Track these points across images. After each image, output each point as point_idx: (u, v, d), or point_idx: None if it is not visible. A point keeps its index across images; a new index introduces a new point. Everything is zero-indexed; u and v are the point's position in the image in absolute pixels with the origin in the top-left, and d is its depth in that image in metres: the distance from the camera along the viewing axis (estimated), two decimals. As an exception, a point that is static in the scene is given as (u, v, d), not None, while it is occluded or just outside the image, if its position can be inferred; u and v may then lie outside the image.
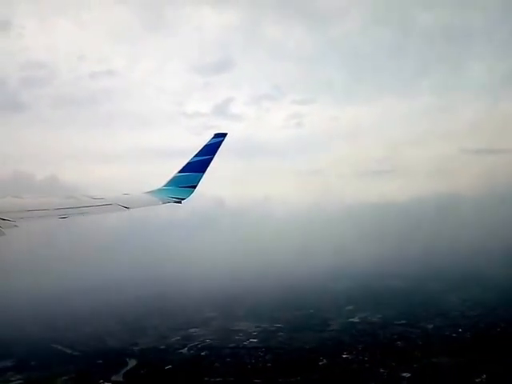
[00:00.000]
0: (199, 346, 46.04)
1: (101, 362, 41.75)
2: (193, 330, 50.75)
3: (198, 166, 10.04)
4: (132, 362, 42.01)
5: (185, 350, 45.11)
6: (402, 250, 71.74)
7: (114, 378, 38.81)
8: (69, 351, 44.80)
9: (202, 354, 44.00)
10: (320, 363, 39.20)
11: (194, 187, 10.00)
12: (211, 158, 10.08)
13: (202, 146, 10.18)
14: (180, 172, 10.09)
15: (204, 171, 10.05)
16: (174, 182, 9.98)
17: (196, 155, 10.14)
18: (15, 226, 7.21)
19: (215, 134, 10.19)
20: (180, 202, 9.68)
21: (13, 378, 38.68)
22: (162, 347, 46.08)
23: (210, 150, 10.08)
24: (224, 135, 10.19)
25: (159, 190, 9.89)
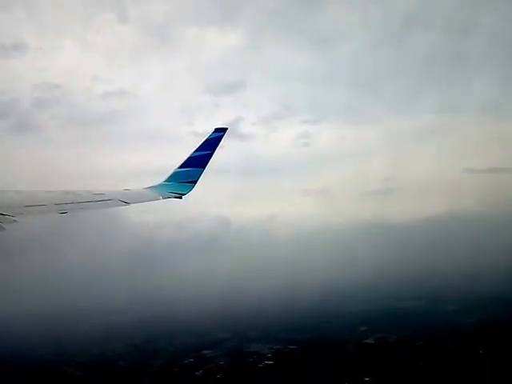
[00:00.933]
0: (214, 368, 44.98)
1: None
2: (205, 351, 49.68)
3: (199, 161, 10.00)
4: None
5: (200, 373, 44.15)
6: (412, 270, 70.22)
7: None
8: (82, 374, 44.30)
9: (218, 376, 42.98)
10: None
11: (195, 182, 9.95)
12: (212, 153, 10.05)
13: (202, 141, 10.17)
14: (180, 167, 10.06)
15: (204, 166, 10.01)
16: (175, 178, 9.95)
17: (196, 150, 10.11)
18: (14, 221, 7.17)
19: (215, 129, 10.18)
20: (180, 198, 9.62)
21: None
22: (176, 370, 45.27)
23: (211, 145, 10.06)
24: (224, 130, 10.17)
25: (159, 186, 9.85)
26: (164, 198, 9.63)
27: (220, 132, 10.12)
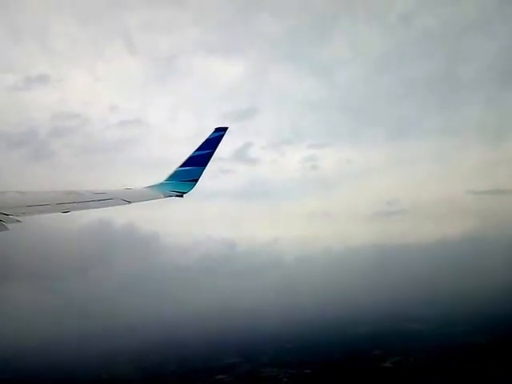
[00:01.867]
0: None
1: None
2: (219, 376, 48.72)
3: (200, 160, 10.08)
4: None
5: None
6: (417, 293, 69.72)
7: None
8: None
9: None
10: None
11: (196, 181, 10.02)
12: (212, 152, 10.13)
13: (202, 141, 10.25)
14: (181, 166, 10.14)
15: (205, 165, 10.09)
16: (176, 177, 10.02)
17: (197, 149, 10.19)
18: (18, 221, 7.24)
19: (216, 129, 10.26)
20: (182, 196, 9.69)
21: None
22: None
23: (211, 144, 10.13)
24: (225, 129, 10.25)
25: (161, 185, 9.93)
26: (165, 196, 9.71)
27: (220, 131, 10.20)
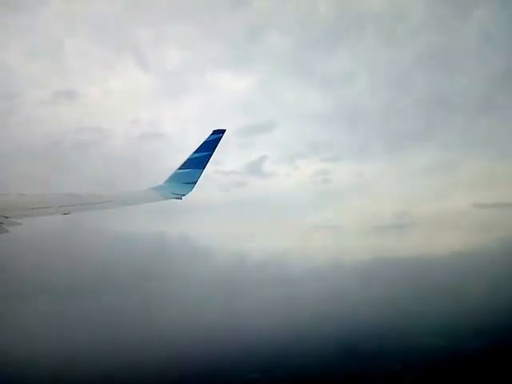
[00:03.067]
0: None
1: None
2: None
3: (198, 162, 10.21)
4: None
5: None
6: (428, 306, 68.82)
7: None
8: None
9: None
10: None
11: (194, 183, 10.14)
12: (210, 155, 10.26)
13: (200, 143, 10.38)
14: (180, 169, 10.26)
15: (203, 167, 10.21)
16: (174, 179, 10.14)
17: (195, 152, 10.32)
18: (19, 223, 7.33)
19: (214, 131, 10.40)
20: (180, 198, 9.80)
21: None
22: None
23: (209, 146, 10.26)
24: (223, 131, 10.38)
25: (159, 187, 10.04)
26: (164, 198, 9.83)
27: (218, 134, 10.33)
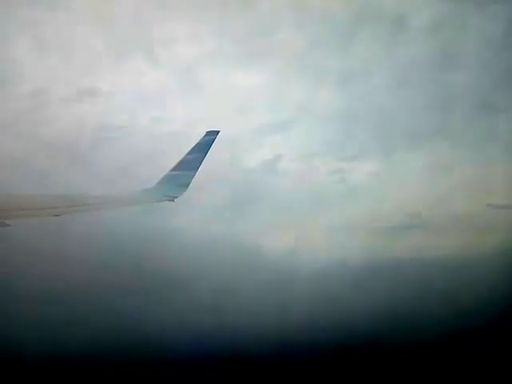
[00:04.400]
0: None
1: None
2: None
3: (191, 164, 10.11)
4: None
5: None
6: (444, 308, 67.69)
7: None
8: None
9: None
10: None
11: (187, 185, 10.04)
12: (203, 156, 10.16)
13: (193, 145, 10.30)
14: (172, 170, 10.16)
15: (196, 169, 10.11)
16: (167, 181, 10.04)
17: (188, 153, 10.22)
18: (7, 224, 7.18)
19: (207, 132, 10.31)
20: (173, 200, 9.71)
21: None
22: None
23: (202, 148, 10.17)
24: (216, 133, 10.29)
25: (152, 189, 9.94)
26: (157, 201, 9.74)
27: (212, 135, 10.25)
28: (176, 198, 9.83)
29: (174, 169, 10.22)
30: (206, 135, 10.32)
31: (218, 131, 10.34)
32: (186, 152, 10.41)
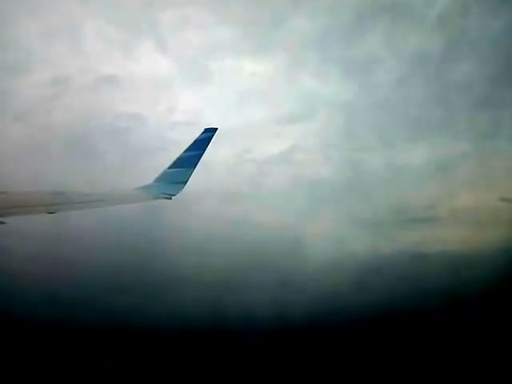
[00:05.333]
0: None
1: None
2: None
3: (188, 161, 9.98)
4: None
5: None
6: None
7: None
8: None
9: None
10: None
11: (184, 183, 9.91)
12: (201, 154, 10.03)
13: (191, 142, 10.16)
14: (170, 168, 10.03)
15: (194, 167, 9.98)
16: (164, 178, 9.91)
17: (186, 151, 10.09)
18: (2, 222, 7.05)
19: (205, 129, 10.18)
20: (170, 198, 9.58)
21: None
22: None
23: (200, 145, 10.04)
24: (214, 130, 10.17)
25: (149, 186, 9.81)
26: (154, 198, 9.60)
27: (210, 132, 10.12)
28: (173, 195, 9.70)
29: (172, 166, 10.10)
30: (203, 132, 10.19)
31: (216, 128, 10.22)
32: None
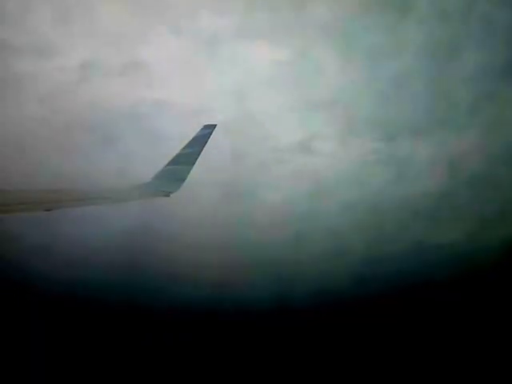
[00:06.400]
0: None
1: None
2: None
3: (187, 158, 9.87)
4: None
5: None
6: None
7: None
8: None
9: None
10: None
11: (183, 180, 9.78)
12: (200, 151, 9.90)
13: (190, 139, 10.03)
14: (168, 165, 9.92)
15: (193, 164, 9.85)
16: (162, 176, 9.79)
17: (184, 148, 9.97)
18: (-3, 220, 6.97)
19: (204, 126, 10.04)
20: (168, 195, 9.45)
21: None
22: None
23: (199, 142, 9.92)
24: (213, 126, 10.03)
25: (147, 184, 9.69)
26: (152, 196, 9.50)
27: (208, 129, 9.98)
28: (172, 193, 9.57)
29: (170, 163, 9.98)
30: (202, 129, 10.07)
31: (215, 125, 10.09)
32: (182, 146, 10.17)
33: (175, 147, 10.56)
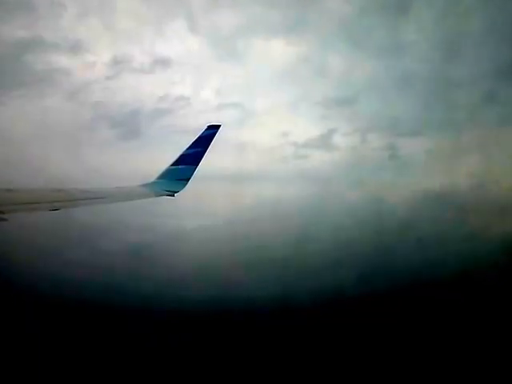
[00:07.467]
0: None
1: None
2: None
3: (192, 158, 9.93)
4: None
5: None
6: None
7: None
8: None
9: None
10: None
11: (188, 180, 9.86)
12: (204, 151, 9.96)
13: (194, 139, 10.09)
14: (173, 165, 9.98)
15: (197, 164, 9.92)
16: (167, 175, 9.87)
17: (189, 148, 10.03)
18: (4, 219, 7.04)
19: (208, 126, 10.10)
20: (173, 195, 9.53)
21: None
22: None
23: (204, 142, 9.97)
24: (218, 127, 10.09)
25: (152, 183, 9.77)
26: (157, 195, 9.56)
27: (213, 129, 10.04)
28: (176, 192, 9.65)
29: (175, 163, 10.05)
30: (206, 129, 10.12)
31: (220, 125, 10.14)
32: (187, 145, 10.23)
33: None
